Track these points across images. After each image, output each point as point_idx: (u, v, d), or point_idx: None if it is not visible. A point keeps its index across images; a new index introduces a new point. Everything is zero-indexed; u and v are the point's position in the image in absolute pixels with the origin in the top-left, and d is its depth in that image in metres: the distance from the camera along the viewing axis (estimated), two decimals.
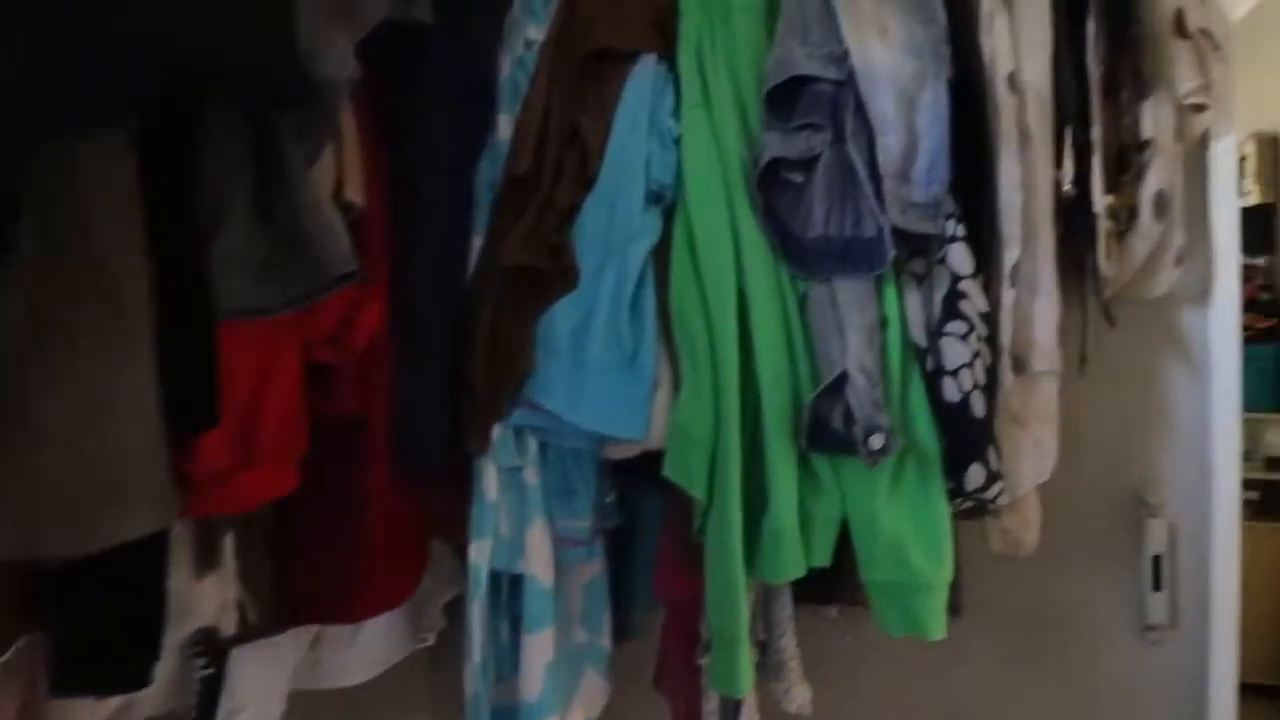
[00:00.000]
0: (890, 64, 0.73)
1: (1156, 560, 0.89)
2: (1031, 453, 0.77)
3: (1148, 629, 0.90)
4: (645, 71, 0.85)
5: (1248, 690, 2.06)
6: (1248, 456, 2.10)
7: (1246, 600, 2.07)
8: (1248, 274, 2.13)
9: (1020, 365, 0.76)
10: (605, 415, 0.77)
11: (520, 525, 0.83)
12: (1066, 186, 0.79)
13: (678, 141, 0.83)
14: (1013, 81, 0.77)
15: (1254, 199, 2.13)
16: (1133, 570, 0.91)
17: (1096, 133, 0.80)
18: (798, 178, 0.78)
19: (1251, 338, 2.08)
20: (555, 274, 0.79)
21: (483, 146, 0.89)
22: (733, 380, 0.75)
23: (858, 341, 0.70)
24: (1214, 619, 0.87)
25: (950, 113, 0.73)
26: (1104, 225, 0.82)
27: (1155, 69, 0.84)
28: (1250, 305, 2.09)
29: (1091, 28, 0.81)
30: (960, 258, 0.73)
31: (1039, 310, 0.76)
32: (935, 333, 0.73)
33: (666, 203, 0.83)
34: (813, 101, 0.76)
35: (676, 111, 0.84)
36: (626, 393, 0.78)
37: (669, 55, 0.87)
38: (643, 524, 0.97)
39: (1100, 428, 0.92)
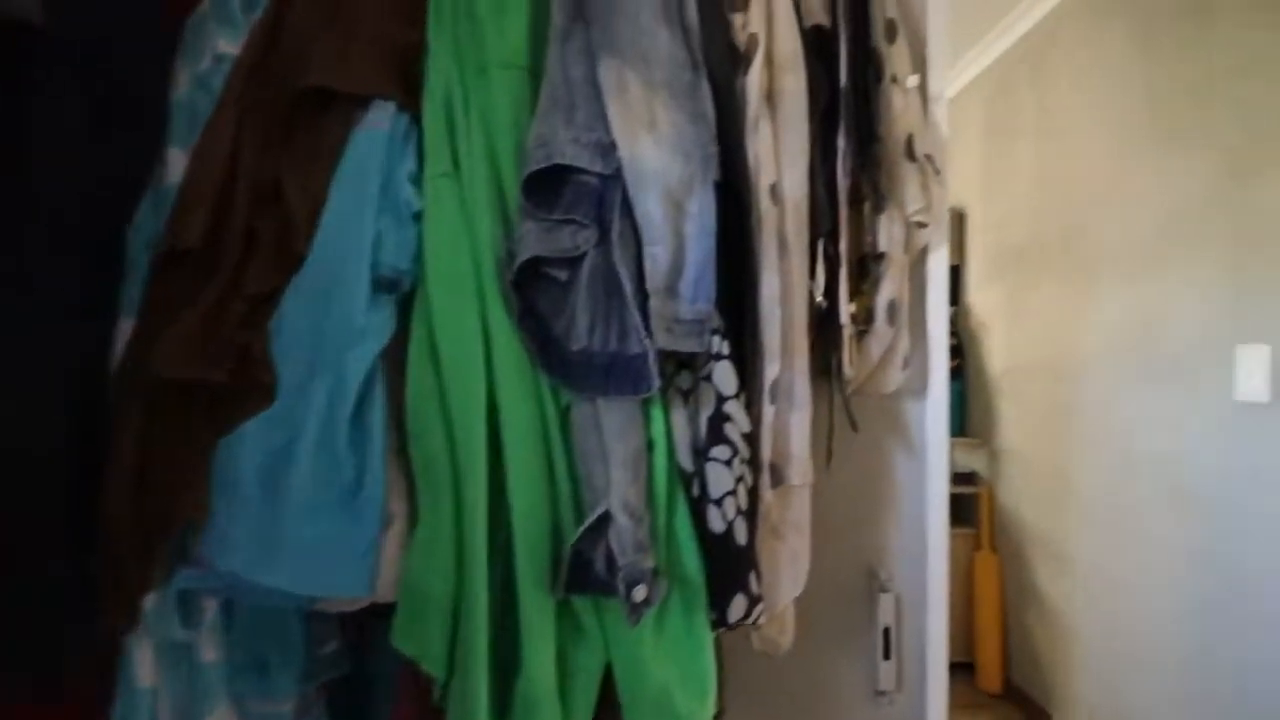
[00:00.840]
0: (659, 164, 0.67)
1: (886, 632, 0.97)
2: (789, 564, 0.78)
3: (879, 694, 0.97)
4: (379, 123, 0.69)
5: None
6: None
7: None
8: None
9: (778, 478, 0.76)
10: (313, 571, 0.60)
11: (192, 717, 0.61)
12: (819, 297, 0.81)
13: (418, 216, 0.68)
14: (774, 191, 0.77)
15: None
16: (868, 641, 0.98)
17: (844, 245, 0.83)
18: (562, 274, 0.69)
19: None
20: (240, 388, 0.59)
21: (134, 188, 0.65)
22: (480, 515, 0.63)
23: (622, 476, 0.63)
24: (929, 681, 0.97)
25: (717, 221, 0.69)
26: (848, 332, 0.86)
27: (889, 186, 0.91)
28: None
29: (842, 142, 0.85)
30: (725, 376, 0.69)
31: (795, 423, 0.77)
32: (701, 457, 0.69)
33: (402, 293, 0.68)
34: (578, 195, 0.67)
35: (418, 179, 0.70)
36: (344, 538, 0.61)
37: (412, 106, 0.72)
38: (383, 664, 0.80)
39: (839, 511, 0.98)
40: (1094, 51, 1.85)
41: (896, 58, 0.92)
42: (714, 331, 0.70)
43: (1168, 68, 1.58)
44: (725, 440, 0.68)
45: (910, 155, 0.91)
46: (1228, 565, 1.40)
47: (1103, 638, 1.80)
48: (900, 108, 0.92)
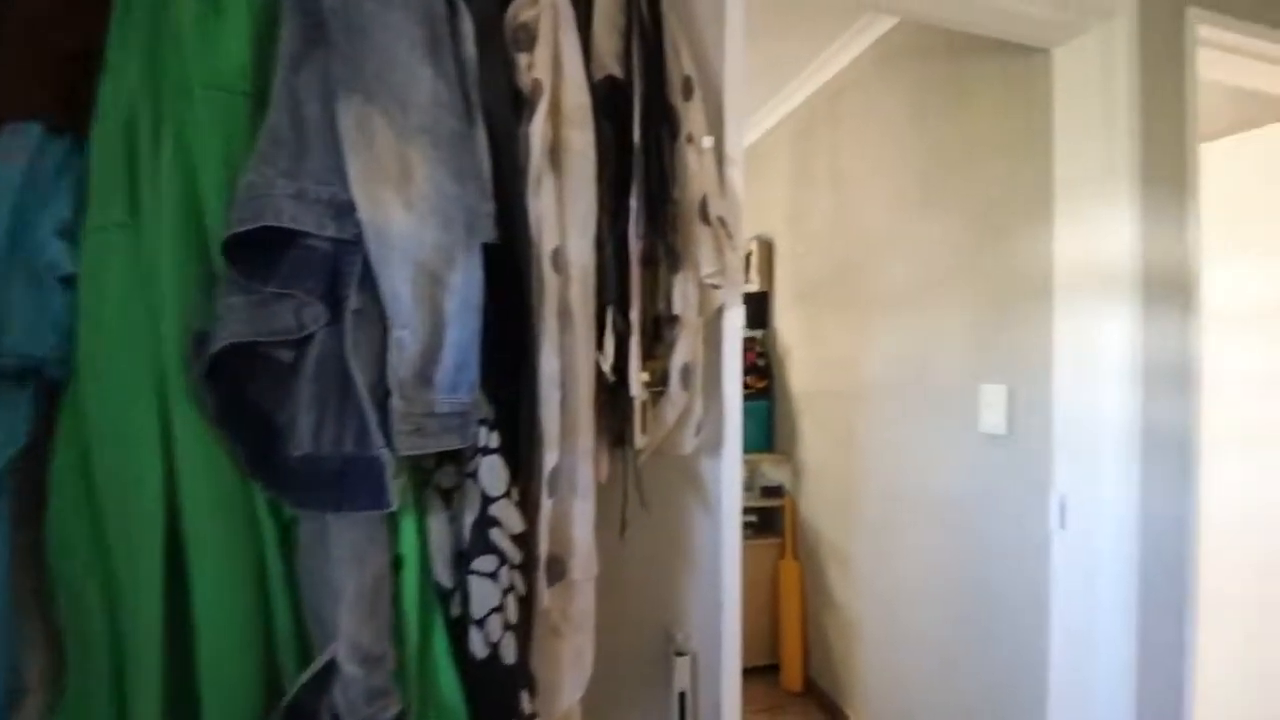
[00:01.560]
0: (409, 230, 0.57)
1: (682, 696, 0.96)
2: (572, 665, 0.72)
3: None
4: (11, 155, 0.51)
5: (746, 673, 2.74)
6: (749, 487, 2.73)
7: (745, 597, 2.80)
8: (749, 344, 2.75)
9: (558, 572, 0.70)
10: None
11: None
12: (606, 368, 0.76)
13: (69, 281, 0.51)
14: (558, 258, 0.70)
15: (755, 287, 2.76)
16: (666, 705, 0.96)
17: (636, 314, 0.79)
18: (286, 356, 0.56)
19: (750, 395, 2.70)
20: None
21: None
22: (148, 676, 0.48)
23: (354, 614, 0.52)
24: None
25: (486, 296, 0.61)
26: (639, 401, 0.82)
27: (684, 248, 0.89)
28: (750, 369, 2.72)
29: (635, 203, 0.80)
30: (493, 473, 0.61)
31: (578, 512, 0.71)
32: (463, 569, 0.60)
33: (43, 384, 0.51)
34: (301, 263, 0.54)
35: (74, 230, 0.52)
36: None
37: (74, 130, 0.54)
38: None
39: (637, 573, 0.95)
40: (875, 117, 2.06)
41: (692, 116, 0.91)
42: (480, 423, 0.61)
43: (933, 139, 1.79)
44: (492, 548, 0.60)
45: (704, 217, 0.90)
46: (973, 577, 1.61)
47: (882, 638, 2.01)
48: (695, 168, 0.90)
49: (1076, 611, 1.31)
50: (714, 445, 1.00)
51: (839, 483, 2.26)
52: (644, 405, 0.86)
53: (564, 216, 0.71)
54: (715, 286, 0.92)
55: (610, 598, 0.91)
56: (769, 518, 2.72)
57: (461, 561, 0.60)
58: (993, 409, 1.55)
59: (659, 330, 0.89)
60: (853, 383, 2.17)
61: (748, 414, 2.64)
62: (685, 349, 0.88)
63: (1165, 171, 1.28)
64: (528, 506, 0.66)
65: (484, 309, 0.61)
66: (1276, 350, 1.76)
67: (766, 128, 2.79)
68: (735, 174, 1.00)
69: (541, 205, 0.70)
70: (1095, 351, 1.28)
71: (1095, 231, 1.30)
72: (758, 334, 2.87)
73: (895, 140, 1.97)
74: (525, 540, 0.64)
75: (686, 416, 0.91)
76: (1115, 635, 1.24)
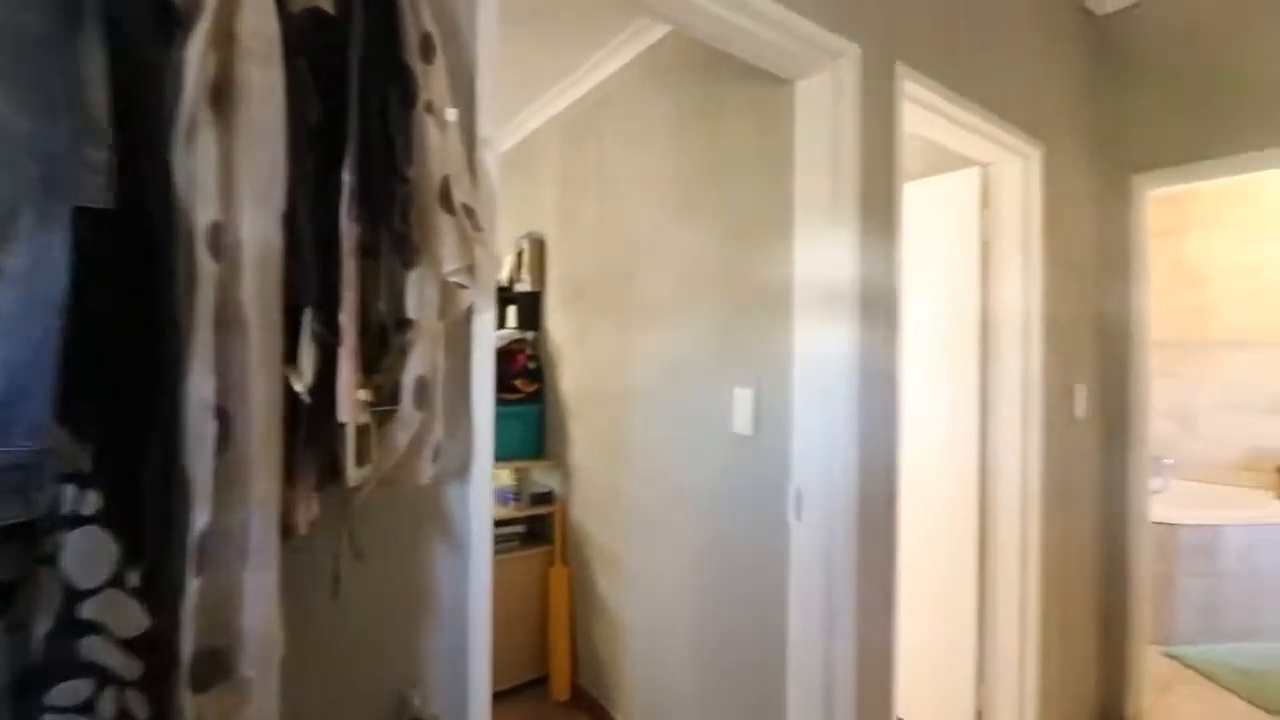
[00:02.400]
0: None
1: None
2: None
3: None
4: None
5: (512, 692, 2.63)
6: (517, 495, 2.61)
7: (514, 610, 2.70)
8: (520, 346, 2.64)
9: (216, 671, 0.51)
10: None
11: None
12: (301, 389, 0.59)
13: None
14: (217, 238, 0.51)
15: (527, 287, 2.66)
16: None
17: (349, 318, 0.62)
18: None
19: (522, 400, 2.60)
20: None
21: None
22: None
23: None
24: None
25: (79, 288, 0.40)
26: (355, 427, 0.66)
27: (421, 238, 0.74)
28: (522, 373, 2.61)
29: (349, 176, 0.63)
30: (87, 554, 0.41)
31: (249, 587, 0.52)
32: (30, 707, 0.39)
33: None
34: None
35: None
36: None
37: None
38: None
39: (361, 634, 0.78)
40: (640, 125, 2.10)
41: (433, 83, 0.76)
42: (66, 479, 0.41)
43: (692, 152, 1.87)
44: (82, 668, 0.40)
45: (447, 204, 0.76)
46: (723, 569, 1.71)
47: (647, 637, 2.05)
48: (436, 144, 0.75)
49: (811, 595, 1.43)
50: (460, 470, 0.86)
51: (608, 485, 2.26)
52: (366, 429, 0.70)
53: (231, 181, 0.52)
54: (461, 286, 0.79)
55: (318, 671, 0.73)
56: (539, 525, 2.63)
57: (22, 696, 0.39)
58: (742, 410, 1.64)
59: (386, 337, 0.73)
60: (620, 385, 2.18)
61: (518, 419, 2.52)
62: (421, 359, 0.74)
63: (878, 204, 1.46)
64: (163, 590, 0.46)
65: (79, 308, 0.40)
66: (940, 372, 2.17)
67: (537, 126, 2.69)
68: (488, 158, 0.88)
69: (196, 163, 0.50)
70: (825, 359, 1.41)
71: (825, 252, 1.43)
72: (529, 335, 2.77)
73: (658, 150, 2.02)
74: (153, 641, 0.44)
75: (423, 439, 0.76)
76: (842, 614, 1.38)
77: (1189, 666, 2.64)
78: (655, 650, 2.00)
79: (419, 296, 0.74)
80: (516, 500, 2.53)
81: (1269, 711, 2.31)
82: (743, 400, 1.64)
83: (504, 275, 2.90)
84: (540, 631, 2.50)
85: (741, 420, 1.64)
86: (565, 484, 2.53)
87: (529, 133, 2.76)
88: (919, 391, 2.15)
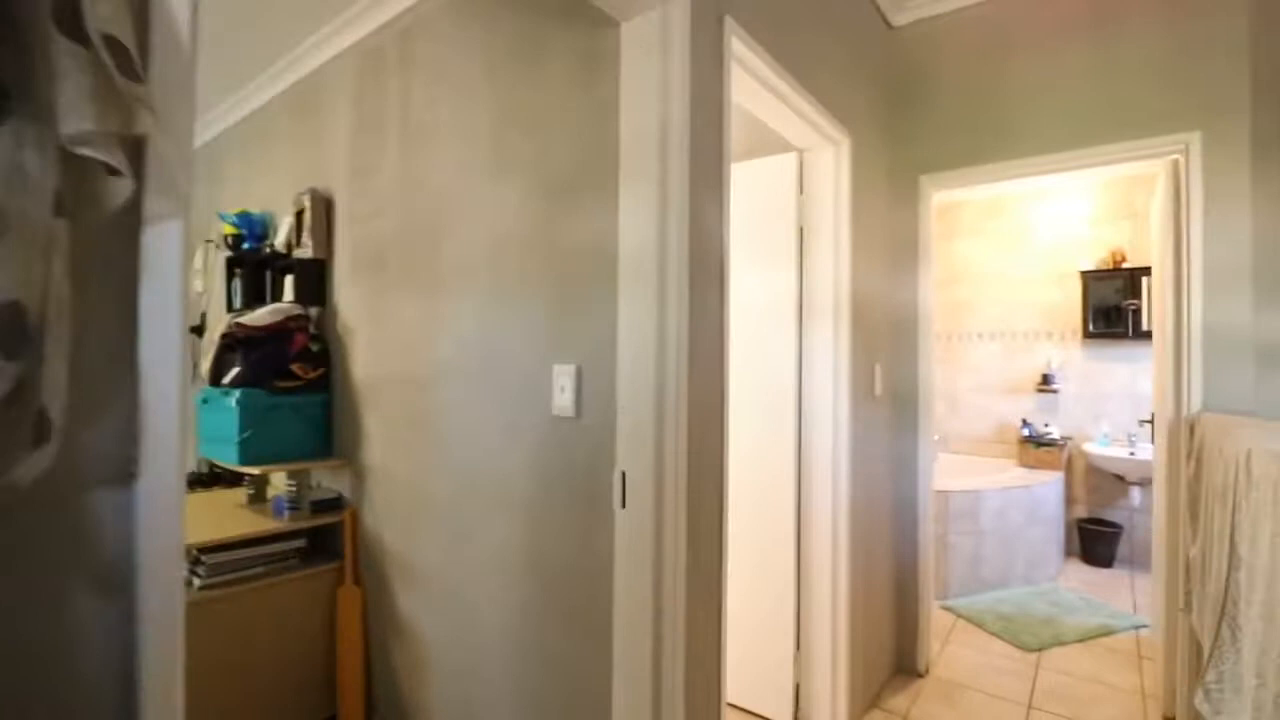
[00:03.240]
0: None
1: None
2: None
3: None
4: None
5: None
6: (295, 504, 2.16)
7: (293, 643, 2.24)
8: (300, 324, 2.20)
9: None
10: None
11: None
12: None
13: None
14: None
15: (308, 253, 2.22)
16: None
17: None
18: None
19: (301, 388, 2.16)
20: None
21: None
22: None
23: None
24: None
25: None
26: None
27: (16, 72, 0.44)
28: (301, 355, 2.17)
29: None
30: None
31: None
32: None
33: None
34: None
35: None
36: None
37: None
38: None
39: None
40: (448, 67, 1.82)
41: None
42: None
43: (506, 100, 1.64)
44: None
45: (71, 25, 0.47)
46: (544, 561, 1.51)
47: (453, 652, 1.78)
48: None
49: (638, 589, 1.29)
50: (118, 470, 0.56)
51: (408, 484, 1.94)
52: None
53: None
54: (108, 167, 0.50)
55: None
56: (325, 538, 2.22)
57: None
58: (564, 390, 1.46)
59: None
60: (425, 368, 1.88)
61: (296, 411, 2.08)
62: (10, 275, 0.44)
63: (708, 165, 1.36)
64: None
65: None
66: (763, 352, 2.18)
67: (328, 57, 2.27)
68: None
69: None
70: (649, 332, 1.28)
71: (648, 215, 1.29)
72: (312, 312, 2.32)
73: (471, 94, 1.76)
74: None
75: (16, 409, 0.46)
76: (671, 607, 1.25)
77: (961, 617, 2.99)
78: (467, 670, 1.74)
79: (15, 170, 0.44)
80: (294, 510, 2.09)
81: (1026, 649, 2.67)
82: (563, 378, 1.45)
83: (280, 240, 2.41)
84: (327, 664, 2.10)
85: (562, 401, 1.46)
86: (357, 488, 2.15)
87: (317, 65, 2.32)
88: (741, 369, 2.14)
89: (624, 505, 1.31)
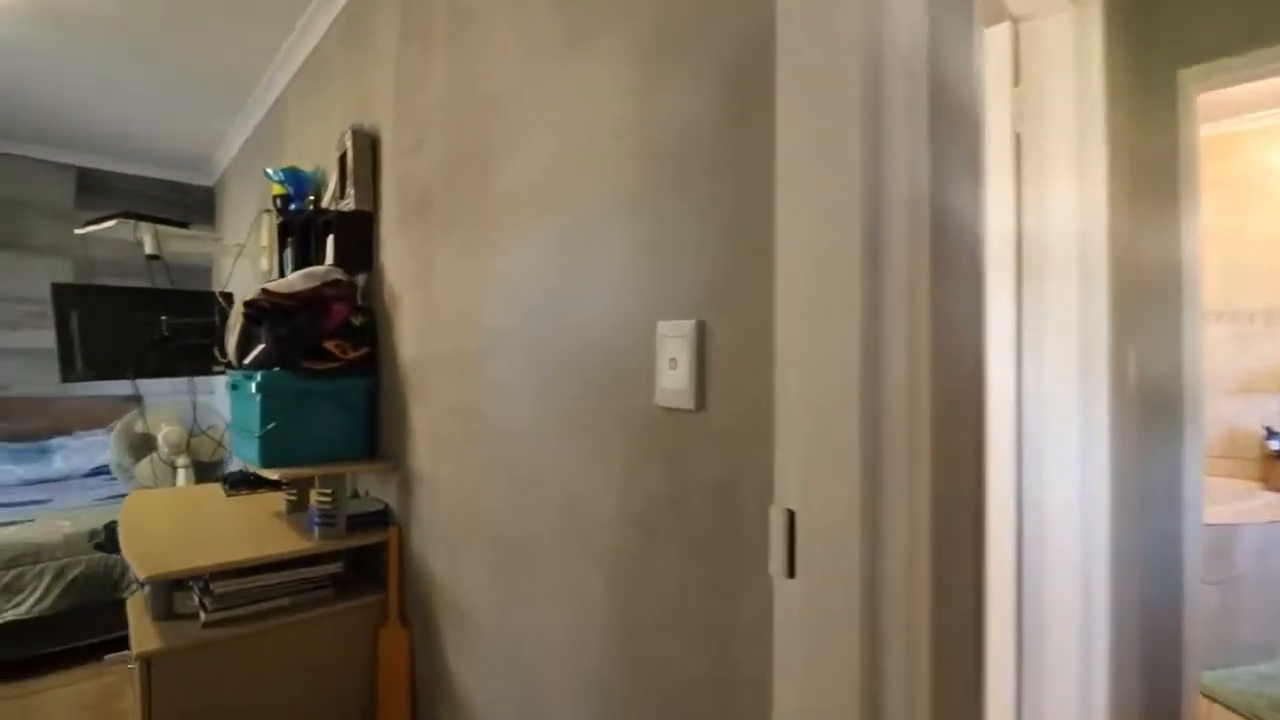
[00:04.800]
0: None
1: None
2: None
3: None
4: None
5: None
6: (331, 519, 1.72)
7: (328, 699, 1.47)
8: (338, 291, 1.75)
9: None
10: None
11: None
12: None
13: None
14: None
15: (351, 204, 1.78)
16: None
17: None
18: None
19: (341, 371, 1.72)
20: None
21: None
22: None
23: None
24: None
25: None
26: None
27: None
28: (341, 330, 1.73)
29: None
30: None
31: None
32: None
33: None
34: None
35: None
36: None
37: None
38: None
39: None
40: None
41: None
42: None
43: None
44: None
45: None
46: (637, 646, 0.94)
47: None
48: None
49: (818, 682, 0.68)
50: None
51: (455, 499, 1.43)
52: None
53: None
54: None
55: None
56: (368, 560, 1.77)
57: None
58: (675, 365, 0.87)
59: None
60: (470, 340, 1.37)
61: (332, 400, 1.58)
62: None
63: None
64: None
65: None
66: None
67: None
68: None
69: None
70: (847, 258, 0.66)
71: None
72: (358, 279, 1.89)
73: None
74: None
75: None
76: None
77: (1218, 701, 2.13)
78: None
79: None
80: (327, 525, 1.65)
81: None
82: (674, 344, 0.87)
83: (327, 196, 2.00)
84: None
85: (673, 381, 0.87)
86: (404, 500, 1.68)
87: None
88: None
89: (792, 572, 0.70)
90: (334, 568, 1.66)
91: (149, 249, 2.76)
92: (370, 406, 1.80)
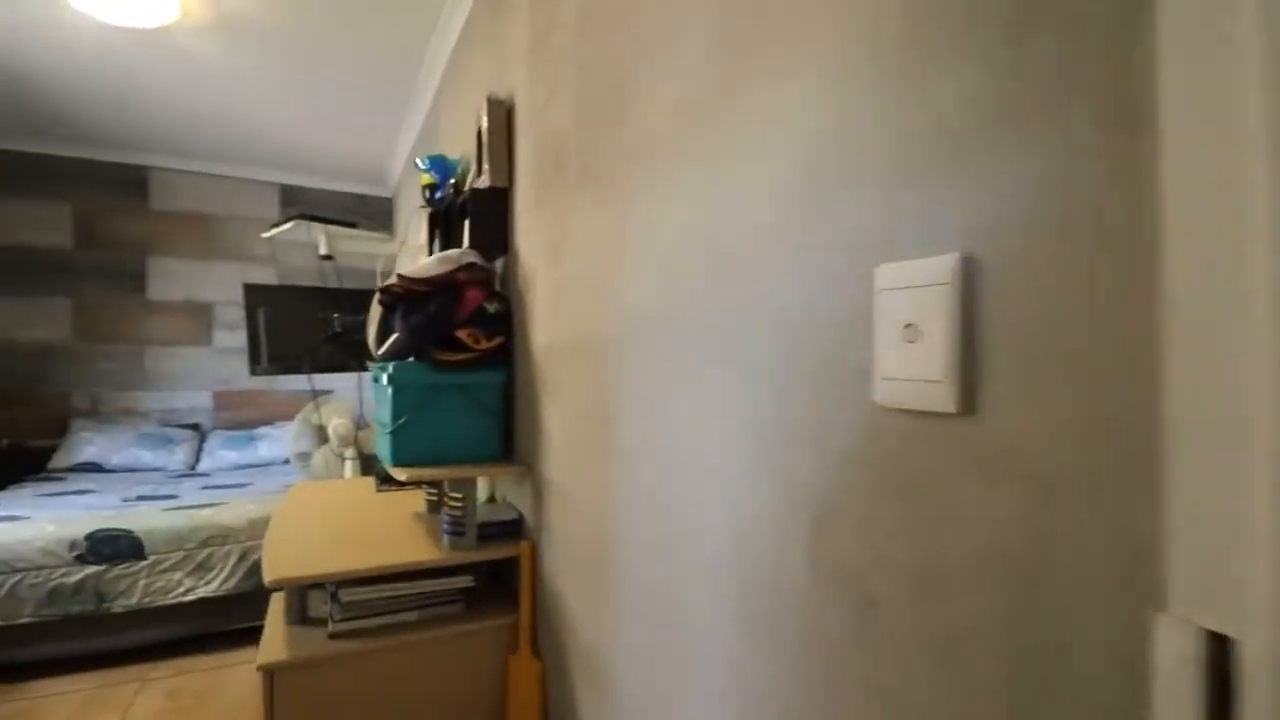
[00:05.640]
0: None
1: None
2: None
3: None
4: None
5: None
6: (459, 529, 1.56)
7: None
8: (473, 275, 1.59)
9: None
10: None
11: None
12: None
13: None
14: None
15: (486, 181, 1.62)
16: None
17: None
18: None
19: (471, 362, 1.55)
20: None
21: None
22: None
23: None
24: None
25: None
26: None
27: None
28: (475, 318, 1.56)
29: None
30: None
31: None
32: None
33: None
34: None
35: None
36: None
37: None
38: None
39: None
40: None
41: None
42: None
43: None
44: None
45: None
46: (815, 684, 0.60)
47: None
48: None
49: None
50: None
51: (591, 520, 1.17)
52: None
53: None
54: None
55: None
56: (498, 578, 1.58)
57: None
58: (920, 337, 0.51)
59: None
60: (604, 324, 1.09)
61: (466, 395, 1.30)
62: None
63: None
64: None
65: None
66: None
67: None
68: None
69: None
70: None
71: None
72: (498, 265, 1.73)
73: None
74: None
75: None
76: None
77: None
78: None
79: None
80: (457, 535, 1.48)
81: None
82: (914, 301, 0.51)
83: (470, 152, 1.87)
84: None
85: (909, 364, 0.52)
86: (537, 510, 1.46)
87: None
88: None
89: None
90: (464, 581, 1.49)
91: (322, 249, 2.90)
92: (505, 402, 1.62)
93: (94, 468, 3.44)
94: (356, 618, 1.37)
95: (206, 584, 2.40)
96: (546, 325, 1.40)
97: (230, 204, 4.26)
